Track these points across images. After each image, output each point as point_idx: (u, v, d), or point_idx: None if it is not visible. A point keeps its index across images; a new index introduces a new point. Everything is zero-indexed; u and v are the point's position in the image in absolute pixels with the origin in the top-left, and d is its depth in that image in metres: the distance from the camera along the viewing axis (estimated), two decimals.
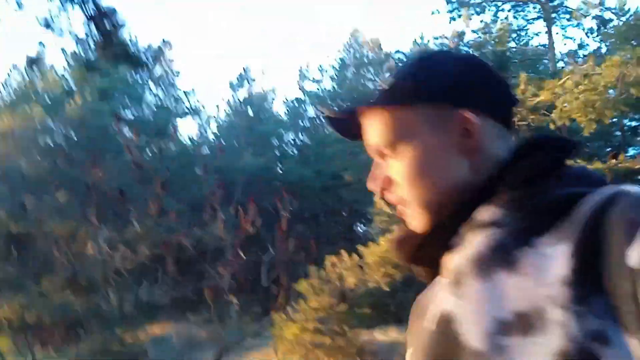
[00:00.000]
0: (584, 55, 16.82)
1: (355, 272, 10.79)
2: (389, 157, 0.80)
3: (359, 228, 18.36)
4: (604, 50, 17.24)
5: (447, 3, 18.40)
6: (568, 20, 18.67)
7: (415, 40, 22.21)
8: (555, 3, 18.56)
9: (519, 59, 18.43)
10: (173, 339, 10.14)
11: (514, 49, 18.96)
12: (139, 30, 36.11)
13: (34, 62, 18.39)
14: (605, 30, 17.64)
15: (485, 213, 0.72)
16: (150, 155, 18.14)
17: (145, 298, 10.00)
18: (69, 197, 12.95)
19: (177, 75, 23.28)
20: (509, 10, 18.91)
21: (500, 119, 0.80)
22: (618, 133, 16.88)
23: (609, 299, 0.60)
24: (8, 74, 21.29)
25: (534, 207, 0.69)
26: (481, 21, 18.65)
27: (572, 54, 18.11)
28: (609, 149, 14.40)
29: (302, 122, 23.61)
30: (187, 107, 22.74)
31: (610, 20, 17.62)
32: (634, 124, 16.79)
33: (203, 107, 23.64)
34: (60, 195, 12.97)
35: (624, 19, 16.61)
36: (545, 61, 19.13)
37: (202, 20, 43.91)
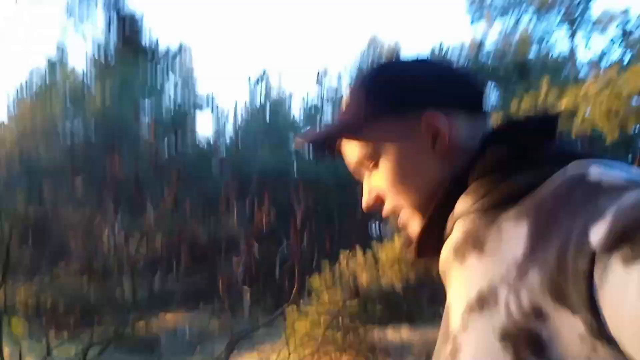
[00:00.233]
0: (606, 65, 16.71)
1: (369, 270, 10.73)
2: (371, 172, 0.83)
3: (373, 226, 18.29)
4: (627, 58, 17.07)
5: (469, 5, 18.36)
6: (591, 29, 18.54)
7: (433, 48, 22.22)
8: (577, 12, 18.44)
9: (540, 67, 18.31)
10: (185, 329, 10.15)
11: (535, 58, 18.85)
12: (159, 28, 36.47)
13: (56, 58, 18.72)
14: (628, 39, 17.49)
15: (460, 204, 0.75)
16: (167, 149, 18.33)
17: (158, 287, 10.02)
18: (86, 187, 13.08)
19: (195, 75, 23.46)
20: (531, 17, 18.80)
21: (469, 110, 0.81)
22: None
23: (546, 273, 0.60)
24: (31, 70, 21.62)
25: (500, 193, 0.71)
26: (502, 25, 18.56)
27: (595, 63, 17.99)
28: (631, 157, 14.23)
29: (319, 126, 23.67)
30: (205, 105, 22.93)
31: (633, 30, 17.48)
32: None
33: (221, 107, 23.80)
34: (78, 184, 13.10)
35: None
36: (567, 70, 18.98)
37: (223, 22, 44.28)
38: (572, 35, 18.76)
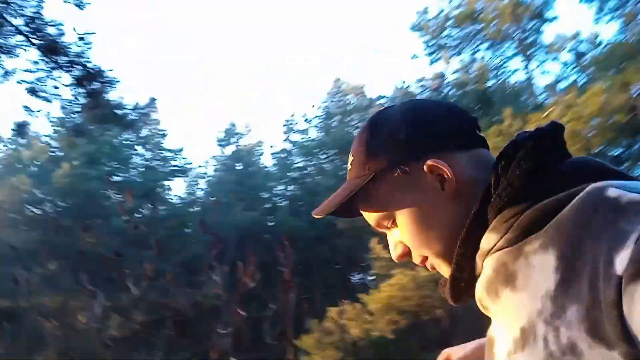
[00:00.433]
0: (563, 88, 17.19)
1: (359, 322, 10.57)
2: (391, 226, 0.83)
3: (354, 276, 18.13)
4: (582, 81, 17.60)
5: (426, 47, 18.81)
6: (545, 54, 19.13)
7: (397, 85, 22.63)
8: (530, 40, 19.05)
9: (500, 96, 18.75)
10: None
11: (494, 87, 19.32)
12: (123, 89, 36.30)
13: (19, 130, 18.37)
14: (582, 61, 18.07)
15: (485, 241, 0.73)
16: (140, 217, 17.95)
17: None
18: (60, 266, 12.66)
19: (164, 135, 23.34)
20: (486, 49, 19.36)
21: (467, 144, 0.81)
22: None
23: (580, 307, 0.59)
24: None
25: (523, 225, 0.69)
26: (460, 61, 19.06)
27: (552, 87, 18.52)
28: None
29: (291, 173, 23.62)
30: (175, 166, 22.72)
31: (585, 52, 18.08)
32: (618, 152, 16.98)
33: (191, 164, 23.59)
34: (51, 265, 12.67)
35: (598, 49, 17.06)
36: (526, 96, 19.47)
37: (186, 78, 44.51)
38: (528, 63, 19.33)
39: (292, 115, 25.08)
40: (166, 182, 22.49)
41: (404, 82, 21.93)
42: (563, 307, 0.61)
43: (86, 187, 17.23)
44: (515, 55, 19.34)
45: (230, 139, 24.82)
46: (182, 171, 23.05)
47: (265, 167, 24.51)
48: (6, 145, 21.47)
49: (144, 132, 22.86)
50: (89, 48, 8.59)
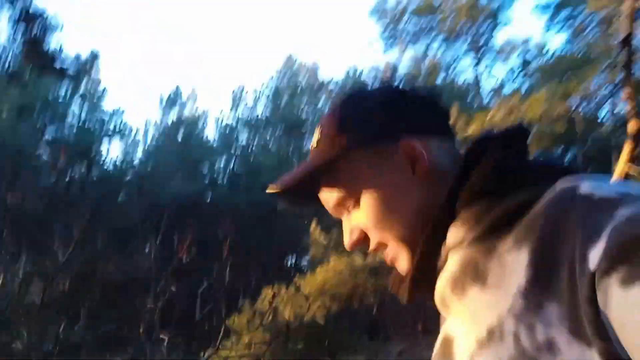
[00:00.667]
0: (508, 93, 17.74)
1: (292, 305, 10.58)
2: (351, 209, 0.80)
3: (291, 258, 18.17)
4: (526, 88, 18.20)
5: (382, 34, 18.83)
6: (494, 58, 19.63)
7: (349, 70, 22.64)
8: (482, 41, 19.48)
9: (448, 93, 19.11)
10: None
11: (443, 84, 19.67)
12: (66, 38, 34.24)
13: None
14: (528, 68, 18.69)
15: (451, 234, 0.72)
16: (72, 178, 17.15)
17: (64, 336, 9.22)
18: None
19: (104, 93, 22.27)
20: (439, 45, 19.61)
21: (441, 132, 0.81)
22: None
23: (562, 306, 0.59)
24: None
25: (491, 220, 0.68)
26: (413, 53, 19.23)
27: (497, 90, 19.06)
28: None
29: (234, 148, 23.20)
30: (113, 128, 21.75)
31: (531, 60, 18.72)
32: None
33: (130, 129, 22.65)
34: None
35: (545, 58, 17.68)
36: (472, 96, 19.96)
37: (132, 36, 42.75)
38: (477, 64, 19.77)
39: (240, 89, 24.57)
40: (102, 145, 21.50)
41: (356, 68, 21.94)
42: (540, 304, 0.60)
43: (15, 141, 16.24)
44: (466, 53, 19.73)
45: (174, 106, 24.07)
46: (120, 135, 22.11)
47: (208, 139, 23.94)
48: None
49: (82, 87, 21.70)
50: None
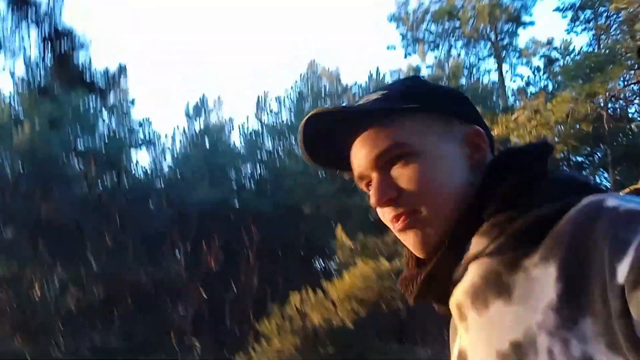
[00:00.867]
0: (532, 93, 17.55)
1: (320, 310, 10.66)
2: (399, 164, 0.76)
3: (317, 262, 18.21)
4: (550, 88, 17.99)
5: (402, 39, 18.85)
6: (517, 58, 19.42)
7: (371, 73, 22.65)
8: (505, 42, 19.30)
9: (471, 95, 18.98)
10: None
11: (466, 85, 19.55)
12: (93, 53, 35.00)
13: None
14: (552, 68, 18.44)
15: (475, 244, 0.71)
16: (103, 187, 17.54)
17: (99, 343, 9.47)
18: (17, 234, 12.30)
19: (132, 104, 22.74)
20: (461, 47, 19.53)
21: (488, 133, 0.82)
22: (566, 169, 17.45)
23: (597, 321, 0.59)
24: None
25: (516, 231, 0.68)
26: (435, 57, 19.18)
27: (522, 91, 18.84)
28: None
29: (260, 154, 23.42)
30: (142, 137, 22.20)
31: (557, 59, 18.44)
32: (580, 159, 17.48)
33: (158, 137, 23.06)
34: (8, 233, 12.31)
35: (569, 57, 17.42)
36: (496, 97, 19.78)
37: (159, 48, 43.43)
38: (500, 64, 19.61)
39: (265, 95, 24.79)
40: (131, 155, 21.95)
41: (378, 71, 21.95)
42: (573, 320, 0.61)
43: (48, 152, 16.70)
44: (489, 56, 19.58)
45: (200, 114, 24.40)
46: (149, 144, 22.54)
47: (234, 146, 24.19)
48: None
49: (112, 99, 22.21)
50: (61, 5, 8.19)
